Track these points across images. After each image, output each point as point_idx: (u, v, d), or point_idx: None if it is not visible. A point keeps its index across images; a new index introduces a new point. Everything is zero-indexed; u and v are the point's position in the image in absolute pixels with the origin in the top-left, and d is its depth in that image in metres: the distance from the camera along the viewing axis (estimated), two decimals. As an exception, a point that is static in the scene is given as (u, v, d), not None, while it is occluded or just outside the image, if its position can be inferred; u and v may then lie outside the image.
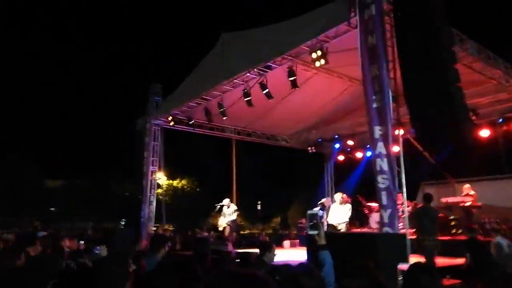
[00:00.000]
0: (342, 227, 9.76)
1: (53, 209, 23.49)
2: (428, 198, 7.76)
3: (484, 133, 11.21)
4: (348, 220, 9.93)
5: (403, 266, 4.82)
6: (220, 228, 11.39)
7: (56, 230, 13.86)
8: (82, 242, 7.63)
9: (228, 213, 11.27)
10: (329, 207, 10.79)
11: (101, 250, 4.99)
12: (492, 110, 10.79)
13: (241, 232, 20.41)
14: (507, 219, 10.11)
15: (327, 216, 10.49)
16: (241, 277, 0.75)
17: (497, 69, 8.62)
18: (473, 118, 9.67)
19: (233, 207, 11.33)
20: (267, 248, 4.40)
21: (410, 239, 6.12)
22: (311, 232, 2.93)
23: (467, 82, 6.89)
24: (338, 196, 10.30)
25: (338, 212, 10.01)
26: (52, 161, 23.74)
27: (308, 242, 5.86)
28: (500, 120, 10.96)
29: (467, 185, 10.98)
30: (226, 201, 11.47)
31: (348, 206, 10.04)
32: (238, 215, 11.77)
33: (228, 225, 11.20)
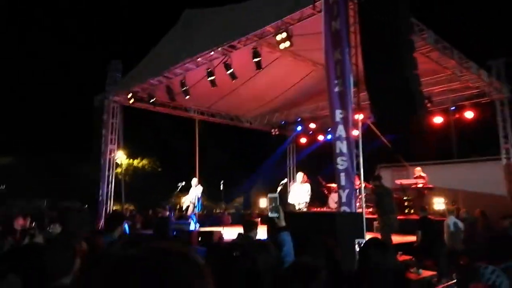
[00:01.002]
0: (302, 207, 10.05)
1: (2, 187, 22.30)
2: (379, 177, 8.17)
3: (437, 120, 11.84)
4: (308, 200, 10.21)
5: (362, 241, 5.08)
6: (184, 206, 11.45)
7: (8, 208, 13.24)
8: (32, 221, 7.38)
9: (195, 192, 11.35)
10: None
11: (55, 228, 4.84)
12: (445, 98, 11.38)
13: (204, 211, 20.45)
14: (455, 200, 10.86)
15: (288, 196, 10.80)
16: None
17: (452, 59, 9.03)
18: (428, 105, 10.18)
19: (200, 187, 11.55)
20: (252, 226, 5.02)
21: (367, 218, 6.41)
22: (271, 215, 2.98)
23: (423, 71, 7.18)
24: (300, 175, 10.55)
25: (298, 192, 10.28)
26: (3, 136, 22.33)
27: (269, 225, 6.02)
28: (453, 108, 11.60)
29: (418, 168, 11.63)
30: (194, 180, 11.61)
31: (308, 186, 10.31)
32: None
33: (192, 203, 11.28)
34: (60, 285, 1.98)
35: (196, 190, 11.40)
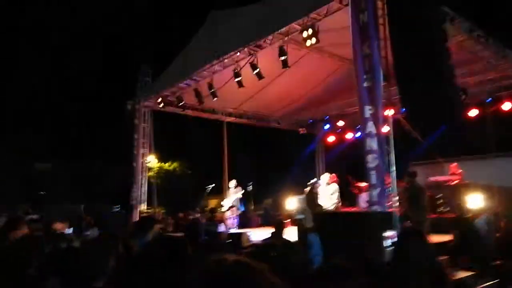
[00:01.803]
0: (332, 208, 9.89)
1: (42, 192, 23.31)
2: (413, 174, 7.89)
3: (473, 113, 11.31)
4: (336, 200, 10.00)
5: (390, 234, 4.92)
6: (224, 209, 11.46)
7: (47, 213, 13.80)
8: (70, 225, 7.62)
9: (235, 195, 11.52)
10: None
11: (93, 232, 4.98)
12: (481, 89, 10.86)
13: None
14: (492, 197, 10.32)
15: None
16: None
17: (488, 48, 8.61)
18: (463, 97, 9.74)
19: (240, 189, 11.68)
20: (281, 226, 5.43)
21: (400, 216, 6.21)
22: (298, 217, 2.94)
23: (457, 61, 6.87)
24: (325, 177, 10.35)
25: (324, 194, 10.13)
26: (41, 144, 23.37)
27: (298, 226, 6.00)
28: (489, 100, 11.05)
29: (454, 164, 11.14)
30: (233, 182, 11.74)
31: (334, 186, 10.10)
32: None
33: (234, 205, 11.37)
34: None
35: (236, 192, 11.46)
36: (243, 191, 11.57)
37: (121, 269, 2.06)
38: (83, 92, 27.06)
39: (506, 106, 10.82)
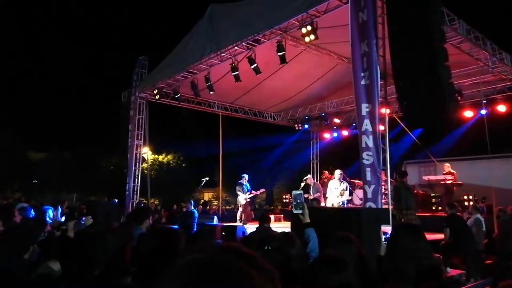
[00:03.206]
0: (341, 204, 10.08)
1: (35, 181, 23.19)
2: (403, 174, 7.97)
3: (468, 114, 11.42)
4: (349, 197, 10.30)
5: (386, 228, 4.98)
6: (242, 203, 11.24)
7: (40, 201, 13.75)
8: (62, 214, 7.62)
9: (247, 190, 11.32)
10: (313, 184, 11.03)
11: (87, 220, 4.99)
12: (476, 91, 10.95)
13: (227, 207, 20.57)
14: (485, 197, 10.46)
15: (312, 193, 10.78)
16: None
17: (484, 50, 8.67)
18: (458, 99, 9.81)
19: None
20: (266, 219, 6.00)
21: (393, 214, 6.27)
22: (295, 211, 2.96)
23: (454, 63, 6.92)
24: (338, 173, 10.37)
25: (337, 190, 10.26)
26: (37, 133, 23.27)
27: (293, 221, 6.06)
28: (484, 101, 11.15)
29: (447, 164, 11.25)
30: (246, 176, 11.43)
31: (345, 185, 10.29)
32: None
33: (248, 200, 11.28)
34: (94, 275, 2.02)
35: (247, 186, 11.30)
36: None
37: (119, 259, 2.08)
38: (81, 82, 26.92)
39: (500, 108, 10.93)
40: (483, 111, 10.88)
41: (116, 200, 13.69)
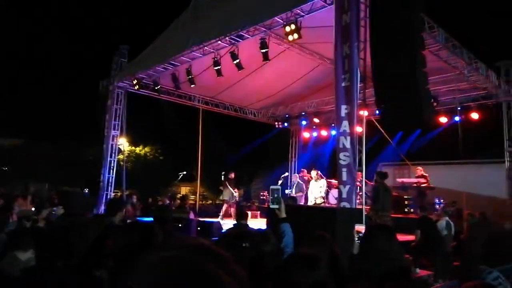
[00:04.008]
0: (319, 202, 10.33)
1: (5, 168, 22.41)
2: (383, 175, 8.11)
3: (443, 120, 11.77)
4: (324, 195, 10.59)
5: (360, 228, 5.09)
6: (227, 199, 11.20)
7: (10, 189, 13.30)
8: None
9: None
10: (297, 183, 11.27)
11: (58, 210, 4.87)
12: (451, 98, 11.28)
13: (204, 202, 20.47)
14: (455, 201, 10.81)
15: (294, 191, 11.02)
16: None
17: (461, 59, 8.93)
18: (434, 104, 10.09)
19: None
20: (243, 215, 5.99)
21: (366, 215, 6.39)
22: (272, 206, 2.98)
23: (431, 69, 7.10)
24: (314, 173, 10.81)
25: (315, 188, 10.74)
26: (12, 120, 22.43)
27: (270, 215, 6.10)
28: (459, 108, 11.51)
29: (420, 167, 11.56)
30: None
31: (322, 182, 10.53)
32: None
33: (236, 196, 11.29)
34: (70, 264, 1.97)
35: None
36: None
37: (92, 251, 2.04)
38: (59, 70, 26.16)
39: (474, 115, 11.31)
40: (457, 118, 11.25)
41: (87, 190, 13.37)
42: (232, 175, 11.25)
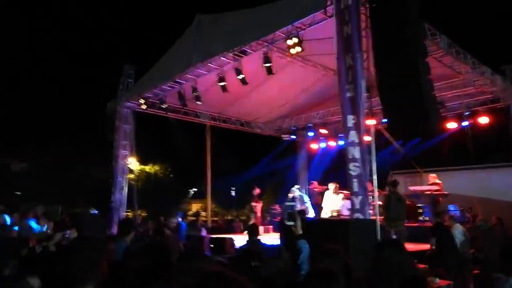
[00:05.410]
0: (335, 214, 10.40)
1: (19, 193, 22.62)
2: (395, 183, 8.02)
3: (451, 125, 11.67)
4: (340, 207, 10.54)
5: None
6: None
7: (24, 214, 13.39)
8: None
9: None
10: (299, 196, 11.20)
11: (71, 234, 4.89)
12: (459, 103, 11.22)
13: (216, 218, 20.42)
14: (471, 207, 10.62)
15: (298, 204, 10.95)
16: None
17: (466, 64, 8.91)
18: (441, 110, 10.02)
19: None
20: (255, 231, 5.55)
21: (380, 225, 6.31)
22: (288, 223, 2.97)
23: (436, 76, 7.08)
24: (332, 186, 10.82)
25: (332, 201, 10.67)
26: (19, 143, 22.70)
27: (285, 232, 6.01)
28: (467, 113, 11.42)
29: (433, 174, 11.41)
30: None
31: (341, 196, 10.59)
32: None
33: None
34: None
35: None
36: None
37: (105, 276, 2.04)
38: (65, 91, 26.57)
39: (482, 120, 11.20)
40: (466, 123, 11.14)
41: (96, 211, 13.41)
42: (257, 191, 11.46)
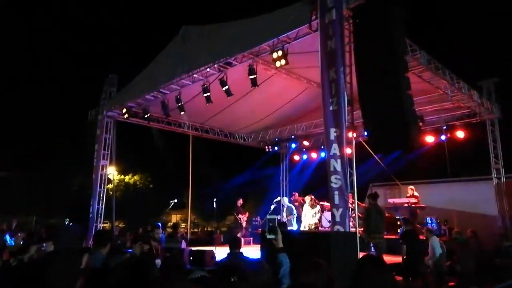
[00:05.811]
0: (313, 228, 10.46)
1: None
2: (375, 196, 8.11)
3: (429, 139, 11.96)
4: (317, 221, 10.61)
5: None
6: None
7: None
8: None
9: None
10: (287, 207, 11.24)
11: (48, 246, 4.73)
12: (437, 118, 11.53)
13: (196, 229, 20.15)
14: (447, 220, 10.84)
15: (285, 215, 10.99)
16: None
17: (444, 79, 9.18)
18: (420, 124, 10.26)
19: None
20: (237, 243, 5.08)
21: (360, 237, 6.34)
22: (269, 237, 2.96)
23: (415, 90, 7.27)
24: (308, 199, 10.95)
25: (309, 214, 10.78)
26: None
27: (266, 245, 5.96)
28: (444, 127, 11.73)
29: (411, 187, 11.63)
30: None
31: (317, 208, 10.70)
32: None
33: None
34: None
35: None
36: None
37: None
38: (45, 98, 26.02)
39: (459, 134, 11.53)
40: (443, 137, 11.43)
41: (70, 222, 13.04)
42: (241, 202, 11.45)
